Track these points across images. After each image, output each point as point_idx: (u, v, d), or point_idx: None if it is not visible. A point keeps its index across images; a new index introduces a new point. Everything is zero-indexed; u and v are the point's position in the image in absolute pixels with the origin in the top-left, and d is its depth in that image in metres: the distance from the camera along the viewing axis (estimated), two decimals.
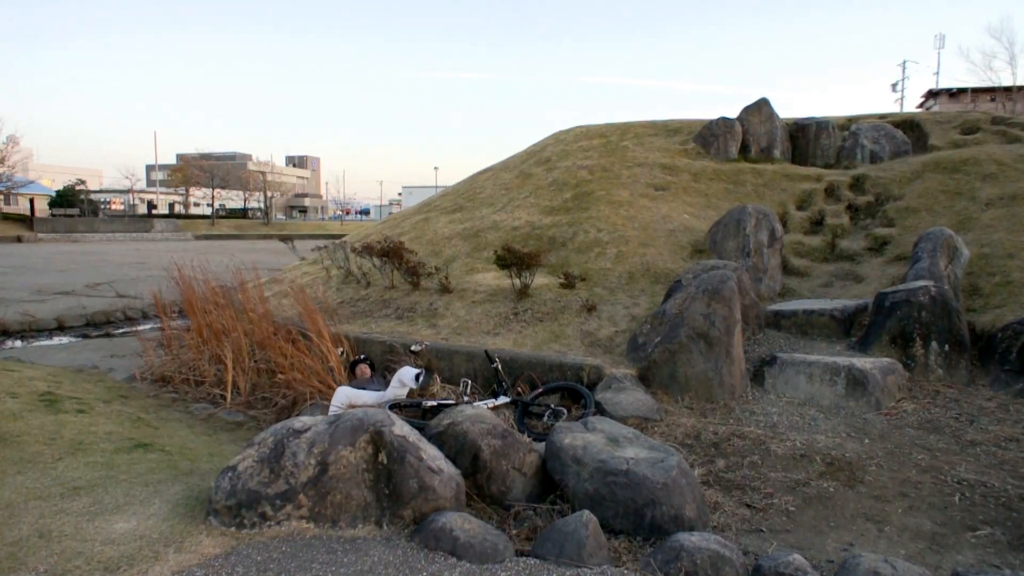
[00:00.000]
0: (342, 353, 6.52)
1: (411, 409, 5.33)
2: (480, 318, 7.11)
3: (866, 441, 4.73)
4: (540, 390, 5.69)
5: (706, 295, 5.75)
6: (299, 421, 3.40)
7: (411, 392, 5.54)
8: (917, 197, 9.71)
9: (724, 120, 12.57)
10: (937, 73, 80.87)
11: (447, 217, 11.44)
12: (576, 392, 5.54)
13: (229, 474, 3.13)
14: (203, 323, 7.18)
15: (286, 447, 3.18)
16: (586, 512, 3.15)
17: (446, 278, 7.92)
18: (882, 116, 14.02)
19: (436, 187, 56.49)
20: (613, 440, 3.90)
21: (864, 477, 4.16)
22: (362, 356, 6.35)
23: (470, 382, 5.80)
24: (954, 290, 6.83)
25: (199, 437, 5.01)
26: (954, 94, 38.08)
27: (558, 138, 14.51)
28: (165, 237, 43.22)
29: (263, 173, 66.11)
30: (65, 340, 9.88)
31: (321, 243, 11.48)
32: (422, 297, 7.82)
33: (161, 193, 68.68)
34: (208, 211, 62.17)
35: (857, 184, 10.64)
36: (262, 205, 64.01)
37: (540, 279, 7.66)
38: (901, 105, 40.66)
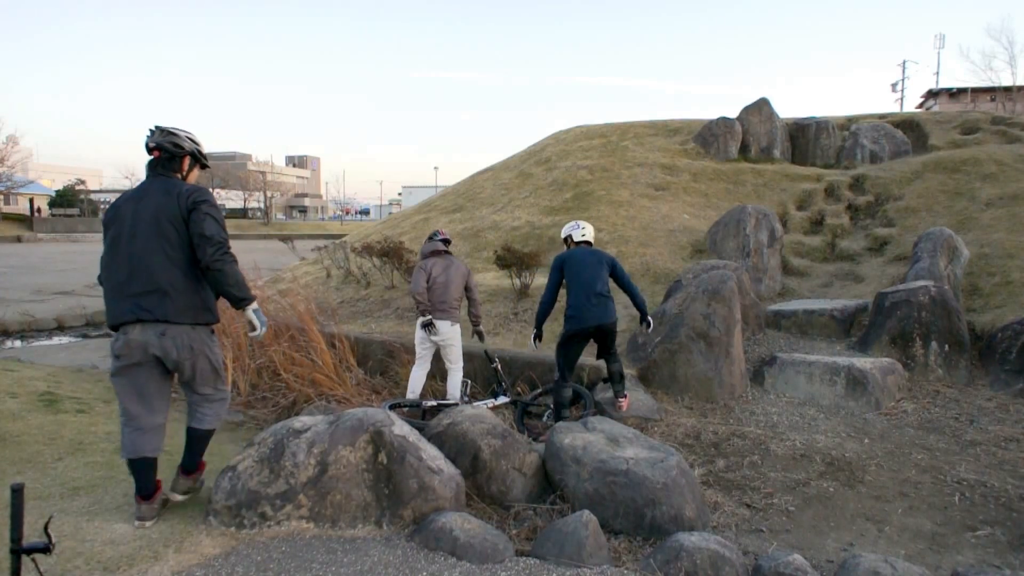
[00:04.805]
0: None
1: (411, 409, 5.33)
2: None
3: (866, 441, 4.73)
4: (540, 390, 5.69)
5: (706, 295, 5.75)
6: (299, 421, 3.40)
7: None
8: (917, 197, 9.71)
9: (724, 120, 12.57)
10: (937, 73, 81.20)
11: (447, 217, 11.44)
12: (576, 392, 5.53)
13: (229, 474, 3.13)
14: None
15: (286, 447, 3.18)
16: (586, 512, 3.15)
17: None
18: (882, 116, 14.03)
19: (436, 187, 56.47)
20: (613, 440, 3.90)
21: (864, 477, 4.16)
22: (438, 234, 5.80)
23: (470, 382, 5.80)
24: (954, 290, 6.83)
25: None
26: (954, 94, 38.10)
27: (558, 138, 14.51)
28: None
29: (263, 173, 66.07)
30: (65, 340, 9.87)
31: (321, 243, 11.47)
32: None
33: None
34: None
35: (857, 184, 10.64)
36: (262, 205, 64.00)
37: (540, 279, 7.66)
38: (901, 105, 40.67)
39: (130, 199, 3.04)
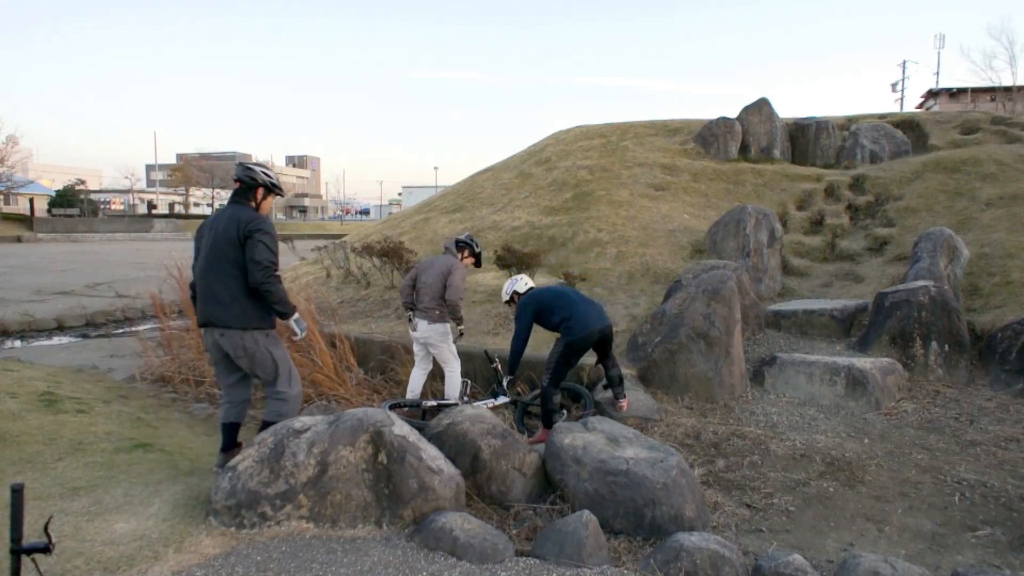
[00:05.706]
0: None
1: (411, 409, 5.33)
2: (480, 318, 7.11)
3: (866, 441, 4.73)
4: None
5: (706, 295, 5.75)
6: (299, 421, 3.40)
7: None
8: (917, 197, 9.71)
9: (724, 120, 12.57)
10: (937, 73, 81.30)
11: (447, 217, 11.45)
12: (576, 392, 5.54)
13: (229, 474, 3.13)
14: None
15: (286, 447, 3.18)
16: (586, 512, 3.15)
17: None
18: (882, 116, 14.03)
19: (436, 187, 56.45)
20: (613, 440, 3.90)
21: (864, 477, 4.16)
22: (466, 238, 5.85)
23: (470, 382, 5.80)
24: (954, 290, 6.83)
25: (199, 437, 5.01)
26: (954, 94, 38.13)
27: (558, 138, 14.50)
28: (165, 237, 43.16)
29: None
30: (65, 340, 9.87)
31: (321, 243, 11.47)
32: None
33: (161, 193, 68.60)
34: (208, 211, 62.15)
35: (857, 184, 10.64)
36: None
37: (540, 279, 7.66)
38: (901, 105, 40.65)
39: (212, 221, 3.76)
